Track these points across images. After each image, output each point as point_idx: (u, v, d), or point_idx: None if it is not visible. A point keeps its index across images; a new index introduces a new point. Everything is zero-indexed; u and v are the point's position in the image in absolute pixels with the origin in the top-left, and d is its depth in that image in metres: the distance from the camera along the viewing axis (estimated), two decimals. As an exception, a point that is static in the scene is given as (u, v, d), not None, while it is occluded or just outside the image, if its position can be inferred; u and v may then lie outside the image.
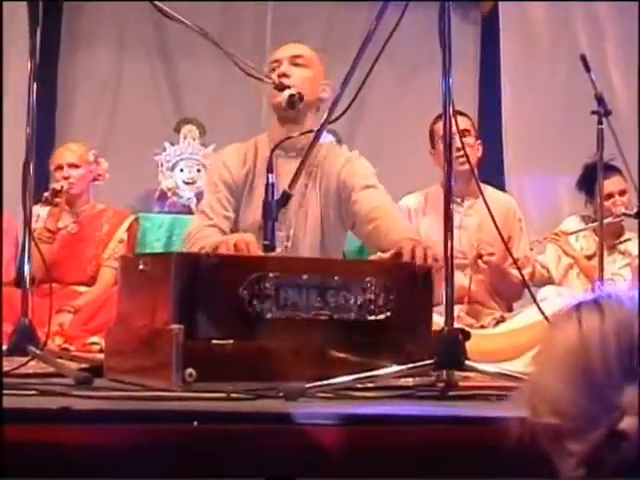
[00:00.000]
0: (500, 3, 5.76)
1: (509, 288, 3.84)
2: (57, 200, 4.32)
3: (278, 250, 2.91)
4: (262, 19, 5.80)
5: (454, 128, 3.66)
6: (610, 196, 4.30)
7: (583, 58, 3.76)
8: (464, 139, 3.80)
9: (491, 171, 5.16)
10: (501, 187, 5.17)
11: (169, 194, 5.41)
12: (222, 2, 5.77)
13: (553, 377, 1.12)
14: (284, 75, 3.04)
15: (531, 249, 4.28)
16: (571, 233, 4.46)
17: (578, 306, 1.15)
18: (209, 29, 2.76)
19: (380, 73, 5.42)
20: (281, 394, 2.14)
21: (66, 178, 4.43)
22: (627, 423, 1.06)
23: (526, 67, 5.70)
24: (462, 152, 3.72)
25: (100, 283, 4.44)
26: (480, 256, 3.79)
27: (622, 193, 4.35)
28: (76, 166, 4.49)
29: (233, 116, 5.74)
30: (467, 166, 3.74)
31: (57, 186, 4.33)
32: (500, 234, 2.60)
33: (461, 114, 3.95)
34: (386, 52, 2.51)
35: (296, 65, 3.12)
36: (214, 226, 3.09)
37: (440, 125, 3.59)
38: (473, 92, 5.81)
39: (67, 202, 4.46)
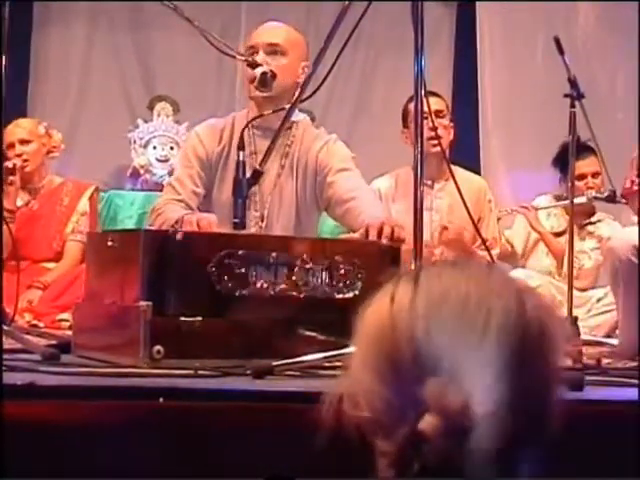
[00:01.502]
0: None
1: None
2: (11, 178, 4.24)
3: (252, 230, 2.91)
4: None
5: (426, 109, 3.72)
6: (583, 177, 4.32)
7: (557, 40, 3.75)
8: (438, 120, 3.83)
9: (467, 155, 5.17)
10: (476, 171, 5.19)
11: (142, 171, 5.38)
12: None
13: (362, 363, 0.97)
14: (258, 65, 2.99)
15: (499, 219, 4.30)
16: (541, 208, 4.48)
17: (398, 277, 0.98)
18: (183, 6, 2.74)
19: (354, 54, 5.47)
20: (249, 372, 2.14)
21: (19, 155, 4.37)
22: (426, 422, 0.90)
23: (504, 50, 5.69)
24: (432, 134, 3.76)
25: (67, 258, 4.41)
26: (445, 228, 3.82)
27: (595, 175, 4.37)
28: (27, 141, 4.43)
29: (207, 93, 5.72)
30: (439, 148, 3.78)
31: (9, 164, 4.25)
32: (471, 216, 2.61)
33: (434, 95, 3.96)
34: (360, 34, 2.52)
35: (273, 54, 3.08)
36: (181, 201, 3.07)
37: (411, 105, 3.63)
38: (448, 75, 5.80)
39: (23, 179, 4.38)
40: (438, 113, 3.88)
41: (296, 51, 3.14)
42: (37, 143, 4.46)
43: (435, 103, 3.89)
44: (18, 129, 4.45)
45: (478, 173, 4.70)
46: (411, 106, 3.65)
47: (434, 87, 4.23)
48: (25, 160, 4.38)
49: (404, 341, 0.93)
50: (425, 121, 3.68)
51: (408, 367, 0.93)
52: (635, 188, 3.34)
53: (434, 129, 3.76)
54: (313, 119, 4.90)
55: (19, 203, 4.39)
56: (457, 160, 4.07)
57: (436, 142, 3.74)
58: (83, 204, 4.52)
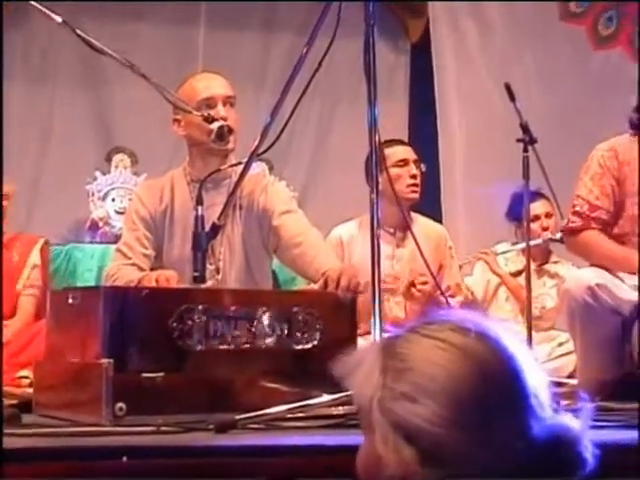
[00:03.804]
0: (432, 30, 5.80)
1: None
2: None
3: (209, 283, 2.92)
4: (194, 45, 5.80)
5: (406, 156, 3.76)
6: (537, 218, 4.41)
7: (507, 87, 3.84)
8: (416, 170, 3.87)
9: (426, 203, 5.22)
10: (437, 214, 5.23)
11: (100, 224, 5.37)
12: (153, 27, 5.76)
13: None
14: (215, 120, 3.01)
15: (460, 267, 4.34)
16: (500, 253, 4.55)
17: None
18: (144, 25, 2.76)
19: (311, 103, 5.53)
20: (211, 426, 2.14)
21: None
22: None
23: (461, 93, 5.76)
24: (416, 181, 3.81)
25: (21, 313, 4.36)
26: (413, 284, 3.83)
27: (548, 215, 4.46)
28: None
29: (165, 145, 5.73)
30: (417, 195, 3.83)
31: None
32: (428, 267, 2.65)
33: (404, 144, 4.02)
34: (316, 83, 2.55)
35: (230, 105, 3.10)
36: (133, 265, 3.05)
37: (387, 151, 3.67)
38: (404, 122, 5.86)
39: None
40: (415, 162, 3.93)
41: (238, 104, 3.18)
42: None
43: (410, 152, 3.94)
44: None
45: (439, 221, 4.74)
46: (387, 152, 3.69)
47: (390, 134, 4.30)
48: None
49: None
50: (406, 168, 3.81)
51: None
52: (572, 225, 3.40)
53: (414, 176, 3.82)
54: (271, 168, 4.95)
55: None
56: (417, 208, 4.13)
57: (416, 188, 3.81)
58: (34, 257, 4.48)
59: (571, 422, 1.04)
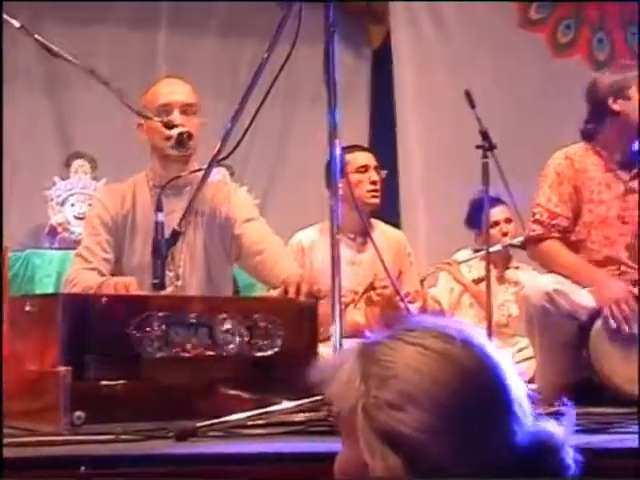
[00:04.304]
0: (393, 37, 5.82)
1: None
2: None
3: (169, 290, 2.91)
4: (155, 48, 5.78)
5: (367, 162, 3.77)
6: (496, 224, 4.43)
7: (467, 94, 3.86)
8: (376, 176, 3.88)
9: (386, 204, 5.24)
10: (396, 220, 5.25)
11: (59, 229, 5.32)
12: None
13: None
14: (174, 126, 3.00)
15: (423, 280, 4.36)
16: (462, 262, 4.57)
17: None
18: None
19: (272, 109, 5.52)
20: (171, 434, 2.13)
21: None
22: None
23: (421, 99, 5.78)
24: (376, 187, 3.82)
25: (-23, 322, 4.31)
26: (374, 288, 3.84)
27: (508, 221, 4.49)
28: None
29: (125, 150, 5.69)
30: (377, 200, 3.84)
31: None
32: (387, 272, 2.66)
33: (366, 150, 4.03)
34: (277, 88, 2.55)
35: (186, 113, 3.08)
36: (93, 269, 3.03)
37: (348, 157, 3.68)
38: (365, 127, 5.87)
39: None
40: (376, 168, 3.94)
41: (200, 110, 3.17)
42: None
43: (373, 159, 3.96)
44: None
45: (398, 227, 4.75)
46: (348, 157, 3.70)
47: (350, 140, 4.31)
48: None
49: None
50: (367, 174, 3.82)
51: None
52: (533, 234, 3.43)
53: (375, 182, 3.83)
54: (232, 174, 4.94)
55: None
56: (377, 214, 4.14)
57: (377, 194, 3.82)
58: (-11, 266, 4.43)
59: (553, 428, 1.05)
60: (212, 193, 3.14)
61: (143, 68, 5.53)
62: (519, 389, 1.05)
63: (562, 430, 1.04)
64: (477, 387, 1.03)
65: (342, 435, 1.09)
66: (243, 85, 2.61)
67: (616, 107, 3.40)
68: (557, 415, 1.07)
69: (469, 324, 1.12)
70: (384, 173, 3.96)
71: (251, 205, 3.27)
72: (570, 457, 1.04)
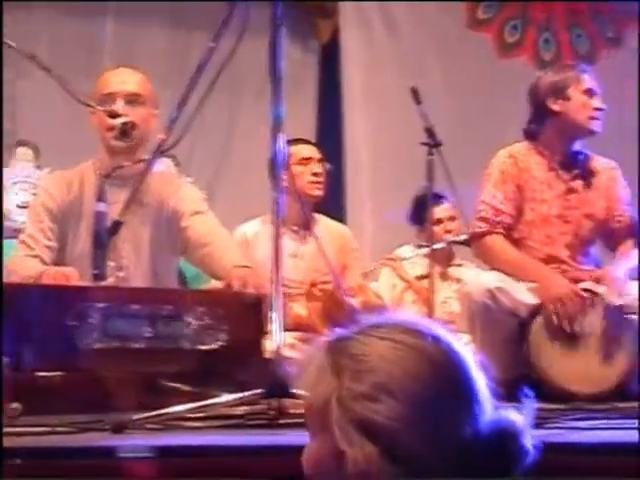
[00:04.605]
0: (342, 35, 5.82)
1: (343, 316, 3.89)
2: None
3: (110, 280, 2.88)
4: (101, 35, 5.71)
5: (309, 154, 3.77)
6: (440, 222, 4.45)
7: (414, 90, 3.88)
8: (318, 168, 3.88)
9: (332, 198, 5.25)
10: (342, 215, 5.25)
11: (1, 218, 5.25)
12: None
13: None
14: (118, 115, 2.97)
15: (366, 275, 4.37)
16: (405, 258, 4.58)
17: None
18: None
19: (218, 100, 5.50)
20: (107, 427, 2.12)
21: None
22: None
23: (369, 97, 5.78)
24: (318, 179, 3.83)
25: None
26: (315, 284, 3.85)
27: (451, 219, 4.51)
28: None
29: (69, 138, 5.63)
30: (320, 192, 3.84)
31: None
32: (329, 265, 2.66)
33: (309, 143, 4.03)
34: (224, 79, 2.54)
35: (131, 103, 3.06)
36: (35, 257, 3.00)
37: (291, 149, 3.67)
38: (312, 120, 5.87)
39: None
40: (319, 160, 3.94)
41: (151, 100, 3.14)
42: None
43: (316, 151, 3.96)
44: None
45: (343, 222, 4.76)
46: (290, 150, 3.69)
47: (298, 133, 4.30)
48: None
49: None
50: (309, 166, 3.82)
51: None
52: (478, 231, 3.47)
53: (317, 174, 3.84)
54: (177, 165, 4.91)
55: None
56: (320, 208, 4.14)
57: (319, 186, 3.82)
58: None
59: (514, 416, 1.10)
60: (161, 186, 3.12)
61: (89, 57, 5.48)
62: (481, 381, 1.11)
63: (522, 418, 1.10)
64: (446, 379, 1.09)
65: (311, 429, 1.13)
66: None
67: (556, 107, 3.44)
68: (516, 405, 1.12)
69: (434, 321, 1.18)
70: (328, 166, 3.97)
71: (200, 199, 3.25)
72: (530, 443, 1.09)
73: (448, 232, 4.46)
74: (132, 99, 3.07)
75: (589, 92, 3.45)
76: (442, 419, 1.08)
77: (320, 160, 3.94)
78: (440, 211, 4.42)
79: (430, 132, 3.86)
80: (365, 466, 1.06)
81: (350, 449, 1.06)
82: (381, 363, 1.08)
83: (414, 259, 4.56)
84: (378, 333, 1.12)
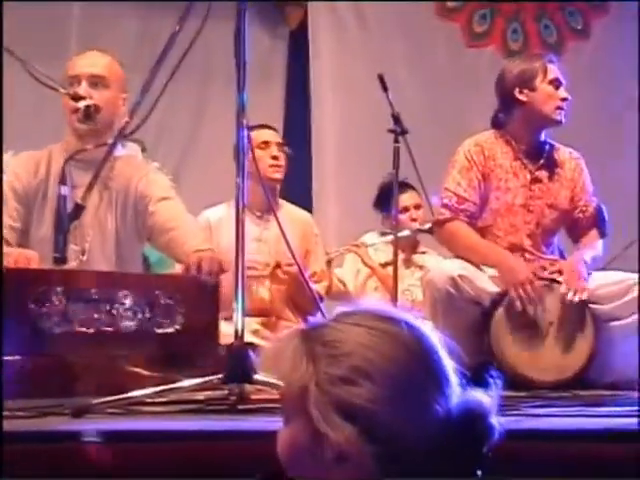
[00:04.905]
0: (310, 23, 5.80)
1: (306, 300, 3.89)
2: None
3: (72, 264, 2.86)
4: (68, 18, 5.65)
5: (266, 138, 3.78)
6: (406, 210, 4.46)
7: (380, 77, 3.88)
8: (278, 152, 3.88)
9: (297, 189, 5.24)
10: (308, 201, 5.24)
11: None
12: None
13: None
14: (82, 98, 2.95)
15: (330, 261, 4.37)
16: (370, 245, 4.59)
17: None
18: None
19: (187, 85, 5.47)
20: (67, 411, 2.10)
21: None
22: None
23: (337, 85, 5.77)
24: (277, 162, 3.84)
25: None
26: (279, 266, 3.85)
27: (417, 207, 4.52)
28: None
29: (33, 122, 5.57)
30: (279, 175, 3.85)
31: None
32: (290, 249, 2.66)
33: (270, 128, 4.02)
34: (191, 65, 2.52)
35: (95, 86, 3.04)
36: None
37: (252, 134, 3.66)
38: (280, 107, 5.84)
39: None
40: (278, 144, 3.95)
41: (118, 83, 3.12)
42: None
43: (276, 135, 3.97)
44: None
45: (309, 210, 4.75)
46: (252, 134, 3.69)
47: (265, 118, 4.28)
48: None
49: None
50: (268, 150, 3.82)
51: None
52: (441, 217, 3.48)
53: (276, 157, 3.84)
54: (144, 149, 4.88)
55: None
56: (287, 195, 4.13)
57: (278, 169, 3.83)
58: None
59: (481, 397, 1.14)
60: (129, 171, 3.11)
61: (56, 41, 5.42)
62: (450, 364, 1.17)
63: (489, 399, 1.15)
64: (419, 362, 1.14)
65: (287, 416, 1.17)
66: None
67: (522, 97, 3.46)
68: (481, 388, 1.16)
69: (401, 308, 1.24)
70: (288, 150, 3.98)
71: (168, 185, 3.24)
72: (496, 423, 1.14)
73: (413, 220, 4.47)
74: (97, 81, 3.05)
75: (555, 82, 3.47)
76: (417, 400, 1.12)
77: (279, 144, 3.96)
78: (406, 199, 4.43)
79: (397, 119, 3.86)
80: (345, 447, 1.10)
81: (331, 431, 1.10)
82: (357, 348, 1.13)
83: (379, 246, 4.57)
84: (351, 320, 1.16)
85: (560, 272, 3.39)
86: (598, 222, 3.56)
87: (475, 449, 1.14)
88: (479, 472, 1.15)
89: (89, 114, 2.94)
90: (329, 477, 1.13)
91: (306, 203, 4.96)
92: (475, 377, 1.21)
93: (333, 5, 5.78)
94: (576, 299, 3.25)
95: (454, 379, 1.16)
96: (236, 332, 2.25)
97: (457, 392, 1.15)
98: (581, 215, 3.55)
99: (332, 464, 1.11)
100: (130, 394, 2.20)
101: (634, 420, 2.21)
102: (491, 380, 1.18)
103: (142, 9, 5.74)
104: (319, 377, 1.12)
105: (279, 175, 3.89)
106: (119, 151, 3.06)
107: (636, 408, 2.45)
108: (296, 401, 1.13)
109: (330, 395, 1.11)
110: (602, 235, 3.57)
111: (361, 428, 1.10)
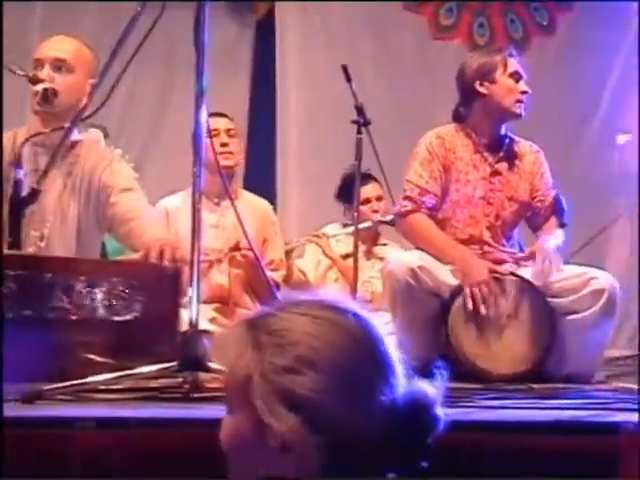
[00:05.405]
0: (277, 14, 5.78)
1: (263, 287, 3.87)
2: None
3: (30, 250, 2.83)
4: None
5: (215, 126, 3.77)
6: (367, 201, 4.46)
7: (344, 68, 3.88)
8: (227, 139, 3.88)
9: (260, 178, 5.23)
10: (271, 192, 5.23)
11: None
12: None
13: None
14: (40, 81, 2.92)
15: (291, 251, 4.37)
16: (331, 236, 4.59)
17: None
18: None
19: (152, 72, 5.44)
20: (18, 397, 2.09)
21: None
22: None
23: (302, 77, 5.76)
24: (226, 149, 3.83)
25: None
26: (238, 247, 3.84)
27: (379, 199, 4.52)
28: None
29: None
30: (230, 162, 3.84)
31: None
32: (247, 236, 2.66)
33: (222, 115, 4.01)
34: (155, 51, 2.51)
35: (58, 70, 3.01)
36: None
37: (210, 121, 3.66)
38: (246, 96, 5.83)
39: None
40: (227, 131, 3.95)
41: (84, 68, 3.09)
42: None
43: (225, 123, 3.96)
44: None
45: (272, 196, 4.74)
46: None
47: (231, 106, 4.26)
48: None
49: None
50: (217, 138, 3.81)
51: None
52: (402, 209, 3.49)
53: (225, 144, 3.84)
54: (106, 135, 4.84)
55: None
56: (251, 184, 4.12)
57: (229, 156, 3.82)
58: None
59: (427, 388, 1.15)
60: (93, 158, 3.09)
61: (20, 28, 5.36)
62: (396, 355, 1.17)
63: (434, 390, 1.16)
64: (365, 351, 1.14)
65: (230, 405, 1.16)
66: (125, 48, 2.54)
67: (482, 90, 3.47)
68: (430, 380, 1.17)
69: (351, 299, 1.23)
70: (235, 139, 3.97)
71: (131, 176, 3.21)
72: (441, 413, 1.15)
73: (375, 212, 4.48)
74: (60, 65, 3.02)
75: (515, 76, 3.48)
76: (362, 389, 1.12)
77: (228, 130, 3.95)
78: (368, 190, 4.43)
79: (360, 110, 3.86)
80: (289, 437, 1.09)
81: (274, 421, 1.10)
82: (302, 337, 1.12)
83: (340, 237, 4.57)
84: (298, 310, 1.16)
85: (518, 264, 3.41)
86: (557, 212, 3.58)
87: (420, 440, 1.14)
88: (424, 463, 1.15)
89: (47, 97, 2.91)
90: (272, 467, 1.12)
91: (270, 193, 4.95)
92: (422, 368, 1.22)
93: (302, 5, 5.78)
94: (554, 272, 3.26)
95: (400, 369, 1.16)
96: (190, 320, 2.24)
97: (403, 382, 1.16)
98: (539, 204, 3.56)
99: (275, 454, 1.10)
100: (83, 380, 2.19)
101: (584, 413, 2.24)
102: (437, 371, 1.18)
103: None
104: (264, 366, 1.12)
105: (229, 162, 3.87)
106: (76, 135, 3.03)
107: (587, 401, 2.48)
108: (240, 390, 1.13)
109: (274, 385, 1.11)
110: (561, 225, 3.58)
111: (305, 418, 1.09)
